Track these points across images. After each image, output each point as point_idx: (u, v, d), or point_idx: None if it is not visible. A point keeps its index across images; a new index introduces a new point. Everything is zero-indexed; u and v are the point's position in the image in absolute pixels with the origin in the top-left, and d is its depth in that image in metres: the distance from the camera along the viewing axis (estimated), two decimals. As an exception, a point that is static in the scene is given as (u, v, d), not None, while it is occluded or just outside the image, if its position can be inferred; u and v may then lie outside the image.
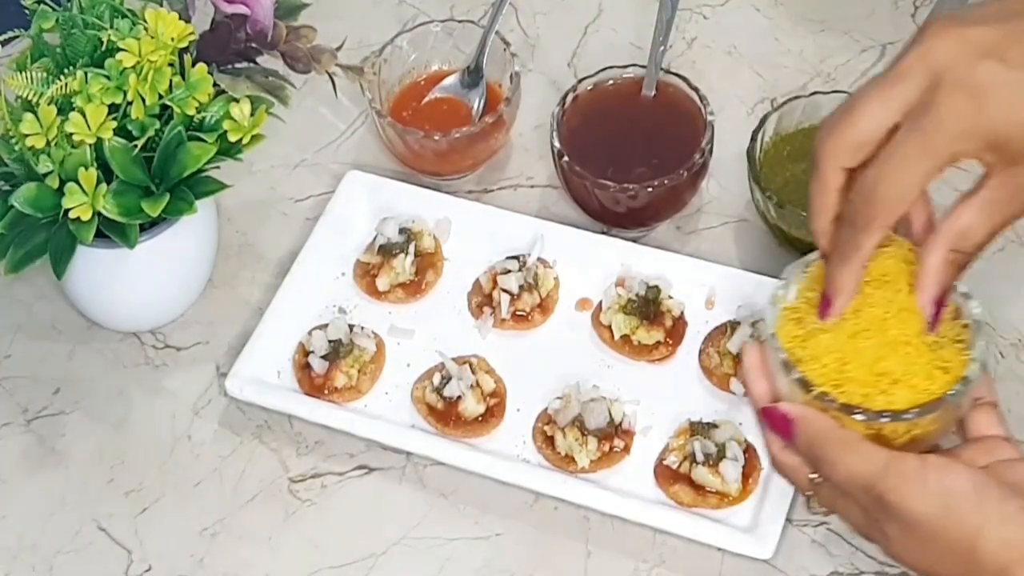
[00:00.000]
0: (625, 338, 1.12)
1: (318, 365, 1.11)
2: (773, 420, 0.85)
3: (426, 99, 1.24)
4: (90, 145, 1.01)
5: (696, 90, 1.19)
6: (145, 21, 1.03)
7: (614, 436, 1.07)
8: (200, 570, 1.06)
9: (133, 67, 1.01)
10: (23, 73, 1.03)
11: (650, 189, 1.14)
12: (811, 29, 1.31)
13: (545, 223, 1.17)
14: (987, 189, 0.81)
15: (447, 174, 1.23)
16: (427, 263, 1.17)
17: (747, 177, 1.15)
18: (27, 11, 1.06)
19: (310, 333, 1.12)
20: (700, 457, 1.04)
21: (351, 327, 1.12)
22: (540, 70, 1.30)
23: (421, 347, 1.14)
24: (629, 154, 1.17)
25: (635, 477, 1.06)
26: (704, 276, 1.14)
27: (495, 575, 1.04)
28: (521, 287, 1.14)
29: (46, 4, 1.06)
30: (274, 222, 1.22)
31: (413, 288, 1.16)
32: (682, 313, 1.13)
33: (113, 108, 1.02)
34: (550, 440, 1.07)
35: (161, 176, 1.04)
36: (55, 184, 1.01)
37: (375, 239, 1.17)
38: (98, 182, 1.01)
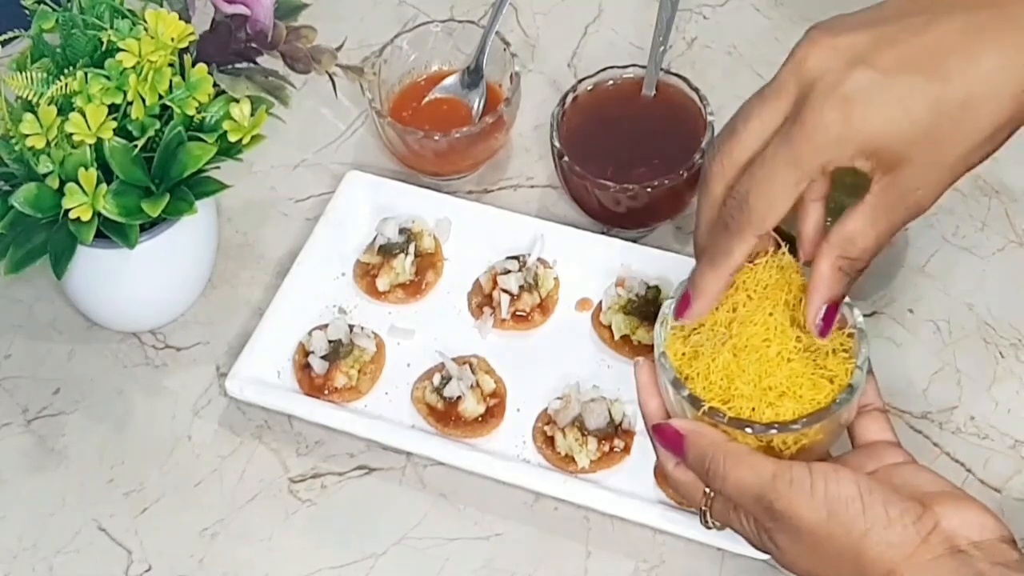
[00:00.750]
0: (625, 338, 1.12)
1: (318, 365, 1.11)
2: (665, 437, 0.87)
3: (426, 99, 1.24)
4: (90, 145, 1.01)
5: (696, 90, 1.19)
6: (145, 21, 1.03)
7: (614, 436, 1.07)
8: (200, 570, 1.06)
9: (133, 67, 1.01)
10: (23, 73, 1.03)
11: (650, 189, 1.14)
12: (811, 29, 1.31)
13: (545, 223, 1.17)
14: (871, 195, 0.81)
15: (447, 174, 1.23)
16: (427, 263, 1.17)
17: (747, 177, 1.15)
18: (27, 11, 1.06)
19: (310, 333, 1.12)
20: (700, 457, 1.04)
21: (351, 327, 1.12)
22: (540, 70, 1.30)
23: (421, 347, 1.14)
24: (629, 154, 1.17)
25: (635, 477, 1.06)
26: (704, 276, 1.14)
27: (495, 575, 1.04)
28: (521, 287, 1.14)
29: (46, 4, 1.06)
30: (274, 222, 1.22)
31: (413, 288, 1.16)
32: (682, 313, 1.13)
33: (113, 108, 1.02)
34: (550, 440, 1.07)
35: (161, 176, 1.04)
36: (55, 184, 1.01)
37: (375, 239, 1.17)
38: (98, 182, 1.01)
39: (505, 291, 1.14)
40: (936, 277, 1.16)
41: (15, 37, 1.06)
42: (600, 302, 1.14)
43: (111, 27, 1.05)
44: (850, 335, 0.86)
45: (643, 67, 1.20)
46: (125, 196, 1.03)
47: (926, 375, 1.11)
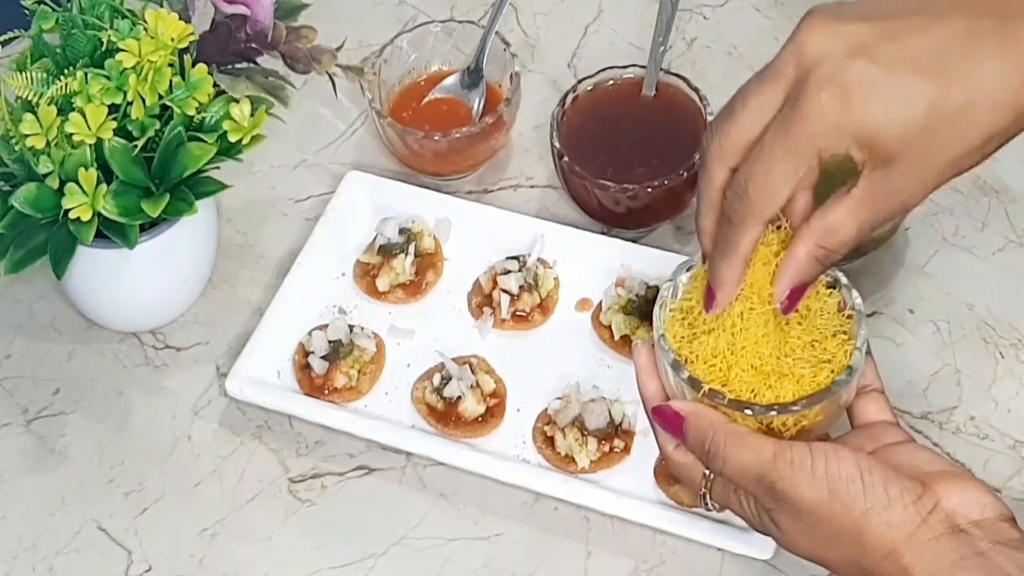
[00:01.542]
0: (625, 338, 1.12)
1: (318, 365, 1.11)
2: (664, 418, 0.87)
3: (426, 99, 1.24)
4: (90, 145, 1.01)
5: (696, 90, 1.19)
6: (145, 21, 1.03)
7: (614, 436, 1.07)
8: (200, 570, 1.06)
9: (133, 67, 1.01)
10: (23, 73, 1.03)
11: (650, 189, 1.14)
12: (811, 29, 1.31)
13: (545, 223, 1.17)
14: (858, 188, 0.81)
15: (447, 174, 1.23)
16: (427, 263, 1.17)
17: (747, 177, 1.15)
18: (27, 11, 1.06)
19: (310, 333, 1.12)
20: (700, 457, 1.04)
21: (351, 327, 1.12)
22: (540, 70, 1.30)
23: (421, 347, 1.14)
24: (629, 154, 1.17)
25: (635, 477, 1.06)
26: (704, 276, 1.14)
27: (495, 575, 1.04)
28: (521, 287, 1.14)
29: (46, 4, 1.06)
30: (274, 222, 1.22)
31: (413, 288, 1.16)
32: (682, 313, 1.13)
33: (113, 108, 1.02)
34: (550, 440, 1.07)
35: (161, 176, 1.04)
36: (55, 184, 1.01)
37: (375, 239, 1.17)
38: (98, 182, 1.01)
39: (505, 291, 1.14)
40: (936, 277, 1.16)
41: (15, 37, 1.06)
42: (600, 302, 1.14)
43: (111, 27, 1.05)
44: (849, 317, 0.87)
45: (643, 67, 1.20)
46: (125, 196, 1.03)
47: (926, 375, 1.11)
